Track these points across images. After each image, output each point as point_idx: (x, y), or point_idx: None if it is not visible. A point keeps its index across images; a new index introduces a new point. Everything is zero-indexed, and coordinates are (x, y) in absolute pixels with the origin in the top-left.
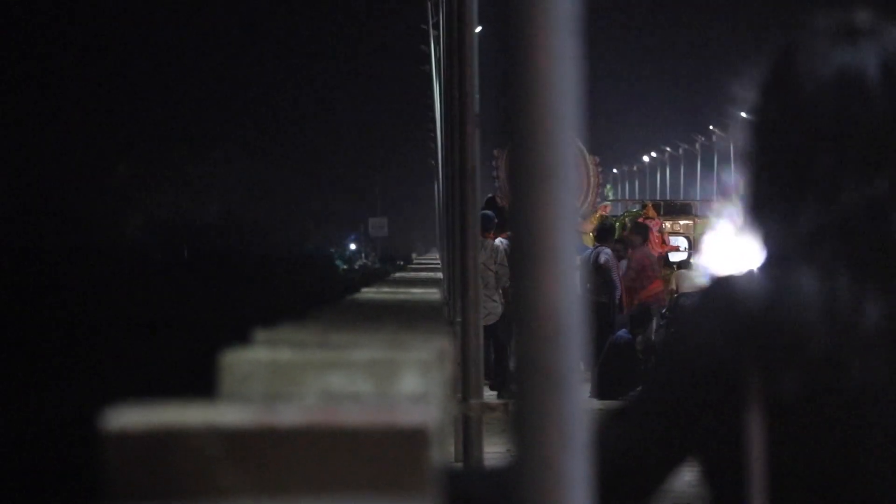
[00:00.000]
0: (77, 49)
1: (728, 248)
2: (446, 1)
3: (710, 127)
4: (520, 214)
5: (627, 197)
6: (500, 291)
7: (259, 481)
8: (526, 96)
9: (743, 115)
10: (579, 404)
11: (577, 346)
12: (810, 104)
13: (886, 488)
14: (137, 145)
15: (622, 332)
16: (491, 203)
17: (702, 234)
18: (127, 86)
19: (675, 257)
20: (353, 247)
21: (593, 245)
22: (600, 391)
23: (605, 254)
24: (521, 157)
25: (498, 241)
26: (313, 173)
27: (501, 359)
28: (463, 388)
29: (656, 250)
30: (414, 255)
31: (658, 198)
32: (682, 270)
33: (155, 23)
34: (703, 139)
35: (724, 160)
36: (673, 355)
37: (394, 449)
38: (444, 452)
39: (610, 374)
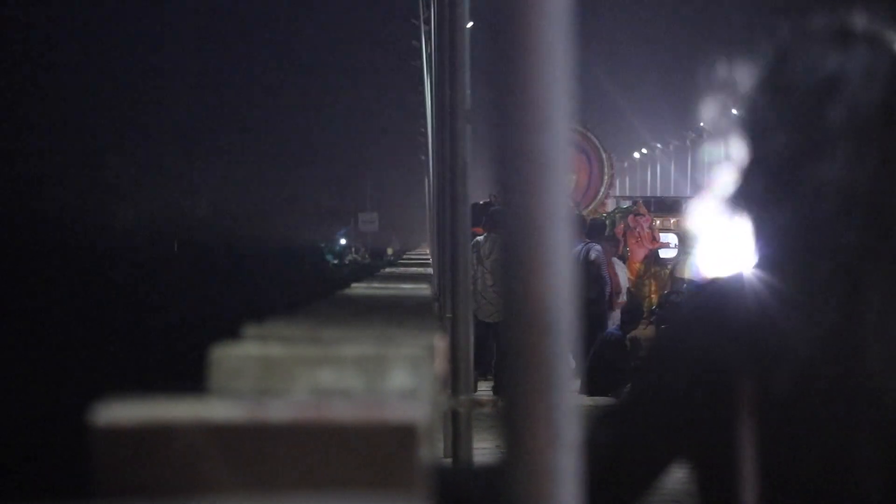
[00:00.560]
0: (67, 43)
1: (720, 248)
2: None
3: (701, 123)
4: (512, 209)
5: (618, 193)
6: None
7: (249, 477)
8: (518, 91)
9: (734, 113)
10: (569, 400)
11: (568, 342)
12: (801, 106)
13: (877, 491)
14: (127, 139)
15: (613, 329)
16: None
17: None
18: (117, 80)
19: (665, 254)
20: (342, 241)
21: (584, 241)
22: (590, 387)
23: (596, 250)
24: (513, 152)
25: None
26: (303, 168)
27: None
28: (453, 383)
29: (646, 246)
30: (389, 251)
31: (649, 194)
32: (682, 257)
33: (146, 17)
34: (693, 135)
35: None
36: (663, 356)
37: (383, 445)
38: (434, 448)
39: (600, 370)
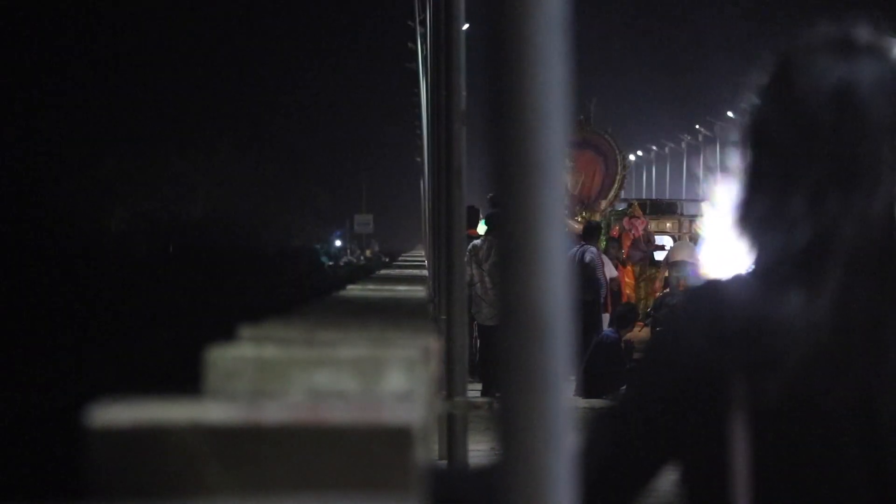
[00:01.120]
0: (63, 44)
1: (718, 249)
2: None
3: (697, 126)
4: (507, 212)
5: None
6: None
7: (244, 479)
8: (513, 93)
9: (737, 119)
10: (564, 403)
11: (563, 344)
12: (805, 117)
13: (867, 498)
14: (123, 140)
15: (608, 331)
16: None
17: (687, 233)
18: (113, 80)
19: (660, 256)
20: (338, 243)
21: (579, 243)
22: (585, 390)
23: (591, 252)
24: (509, 154)
25: None
26: (299, 169)
27: None
28: (448, 385)
29: (641, 249)
30: (368, 253)
31: (644, 196)
32: (679, 241)
33: (142, 18)
34: (689, 138)
35: (711, 159)
36: (658, 357)
37: (379, 447)
38: (429, 450)
39: (595, 372)
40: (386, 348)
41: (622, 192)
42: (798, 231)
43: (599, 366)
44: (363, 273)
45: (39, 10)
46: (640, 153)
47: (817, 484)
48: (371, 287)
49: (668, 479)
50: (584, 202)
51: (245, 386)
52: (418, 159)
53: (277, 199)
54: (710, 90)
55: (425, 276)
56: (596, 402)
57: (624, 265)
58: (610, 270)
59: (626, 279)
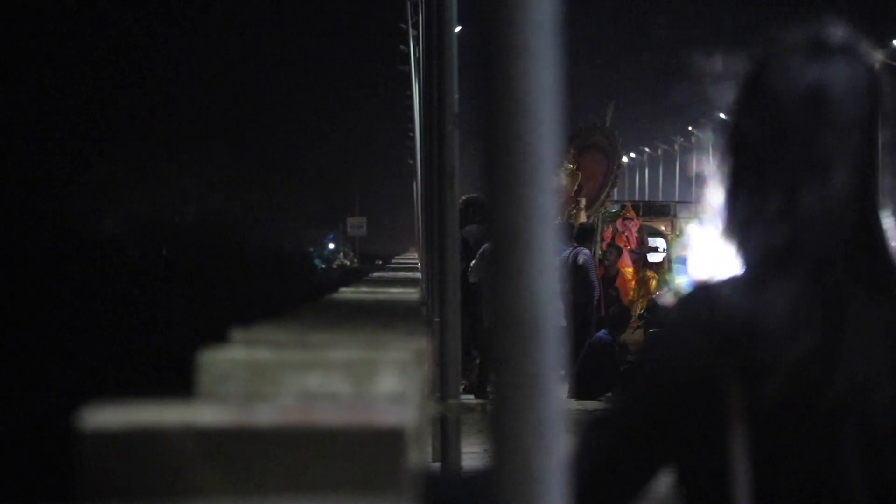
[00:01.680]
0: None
1: (709, 252)
2: (426, 1)
3: (690, 128)
4: (498, 215)
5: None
6: None
7: (236, 481)
8: (504, 96)
9: (718, 125)
10: (556, 405)
11: (555, 346)
12: (779, 118)
13: (866, 498)
14: (116, 144)
15: (601, 333)
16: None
17: (680, 235)
18: (105, 84)
19: (653, 258)
20: (331, 246)
21: (572, 245)
22: (579, 392)
23: (584, 255)
24: (499, 157)
25: None
26: (292, 172)
27: None
28: (441, 388)
29: (634, 250)
30: (340, 257)
31: (637, 198)
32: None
33: (134, 21)
34: (681, 140)
35: (703, 162)
36: (651, 361)
37: (370, 449)
38: (422, 452)
39: (588, 374)
40: (378, 350)
41: (615, 192)
42: (776, 231)
43: (592, 368)
44: (356, 275)
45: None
46: (632, 155)
47: (815, 485)
48: (364, 290)
49: (664, 482)
50: (582, 202)
51: (237, 388)
52: (411, 161)
53: (270, 203)
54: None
55: (418, 279)
56: (589, 405)
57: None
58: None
59: (629, 281)
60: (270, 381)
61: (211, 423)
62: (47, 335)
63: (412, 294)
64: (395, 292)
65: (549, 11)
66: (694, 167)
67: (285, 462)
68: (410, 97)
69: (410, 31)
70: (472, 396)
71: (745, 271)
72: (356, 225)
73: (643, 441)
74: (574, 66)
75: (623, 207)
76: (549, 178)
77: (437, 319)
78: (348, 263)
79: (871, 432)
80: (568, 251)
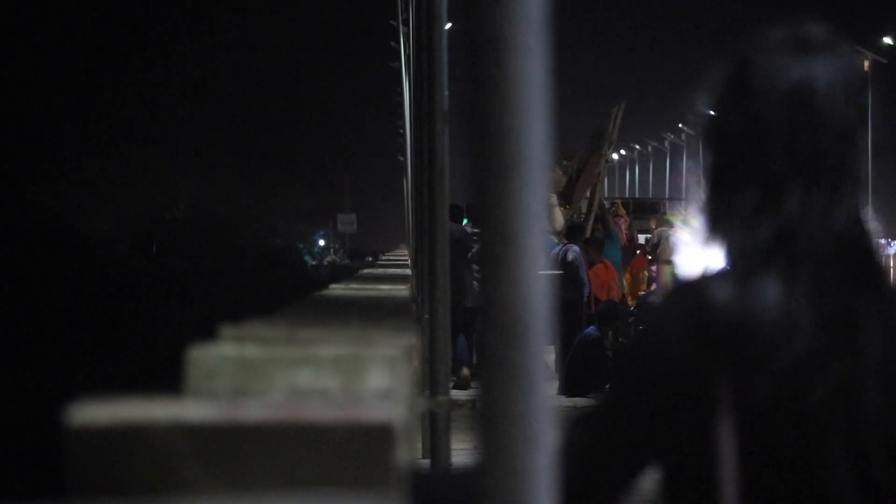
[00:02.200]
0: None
1: (697, 248)
2: None
3: (680, 125)
4: (485, 210)
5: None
6: None
7: (224, 477)
8: (493, 93)
9: (702, 121)
10: (545, 402)
11: (543, 342)
12: (764, 115)
13: (855, 495)
14: (107, 140)
15: (591, 330)
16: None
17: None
18: (96, 80)
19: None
20: (321, 243)
21: (562, 242)
22: (567, 388)
23: (574, 251)
24: (487, 152)
25: None
26: (283, 170)
27: None
28: (430, 384)
29: (625, 247)
30: (330, 254)
31: (627, 195)
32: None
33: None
34: (672, 137)
35: (694, 159)
36: (640, 357)
37: (359, 445)
38: (411, 449)
39: (578, 371)
40: (367, 347)
41: (604, 190)
42: (758, 227)
43: (582, 365)
44: (346, 272)
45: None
46: (623, 152)
47: (803, 482)
48: (354, 286)
49: (650, 479)
50: (553, 197)
51: (226, 385)
52: (401, 158)
53: (261, 200)
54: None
55: (408, 276)
56: (579, 401)
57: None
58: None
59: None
60: (260, 378)
61: (200, 419)
62: (36, 331)
63: (402, 291)
64: (385, 289)
65: (537, 7)
66: (684, 164)
67: (274, 459)
68: (401, 94)
69: (401, 27)
70: (463, 392)
71: (730, 267)
72: (346, 221)
73: (630, 437)
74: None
75: (613, 204)
76: (540, 175)
77: (426, 316)
78: (338, 260)
79: (860, 430)
80: (557, 248)
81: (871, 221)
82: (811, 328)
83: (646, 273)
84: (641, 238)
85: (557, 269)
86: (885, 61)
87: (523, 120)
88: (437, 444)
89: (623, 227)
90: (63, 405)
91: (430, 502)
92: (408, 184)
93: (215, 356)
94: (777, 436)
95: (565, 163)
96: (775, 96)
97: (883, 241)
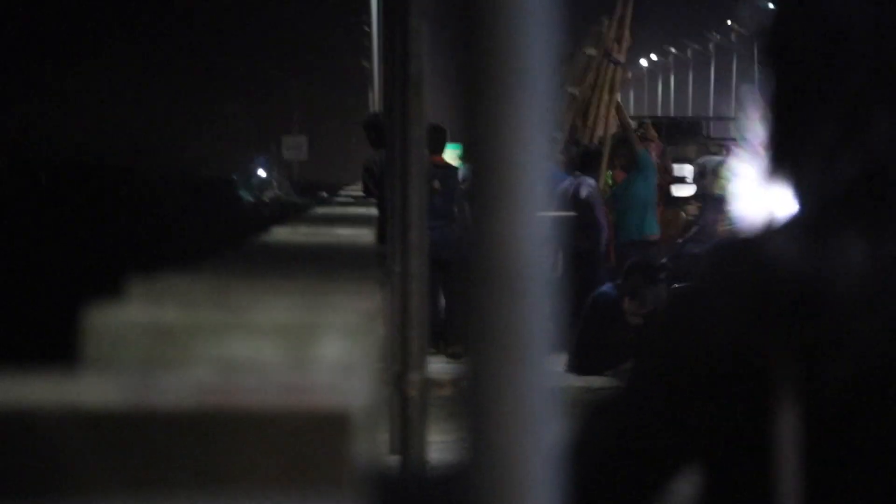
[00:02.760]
0: None
1: (755, 188)
2: None
3: (728, 21)
4: (472, 131)
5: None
6: None
7: (131, 475)
8: None
9: (759, 20)
10: (548, 380)
11: (549, 305)
12: (835, 19)
13: None
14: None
15: (607, 287)
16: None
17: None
18: None
19: (680, 191)
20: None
21: (573, 174)
22: (580, 364)
23: (588, 186)
24: (477, 58)
25: None
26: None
27: None
28: (401, 359)
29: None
30: (273, 187)
31: (660, 114)
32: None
33: None
34: (718, 37)
35: (746, 66)
36: (677, 330)
37: (307, 436)
38: (375, 442)
39: (591, 342)
40: (318, 311)
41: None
42: (840, 164)
43: (596, 333)
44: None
45: None
46: (654, 57)
47: (886, 488)
48: (303, 230)
49: (686, 484)
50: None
51: (135, 357)
52: (366, 64)
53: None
54: None
55: (374, 217)
56: (594, 381)
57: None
58: None
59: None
60: (178, 349)
61: (100, 402)
62: None
63: (366, 236)
64: (344, 234)
65: None
66: (733, 74)
67: (196, 452)
68: None
69: None
70: (445, 363)
71: (801, 216)
72: (294, 146)
73: (663, 433)
74: None
75: (641, 125)
76: (543, 88)
77: (397, 269)
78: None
79: None
80: (567, 181)
81: None
82: None
83: (683, 213)
84: (678, 169)
85: (567, 209)
86: None
87: (523, 15)
88: (408, 437)
89: (655, 154)
90: None
91: None
92: (374, 97)
93: (122, 321)
94: (858, 437)
95: (571, 90)
96: (850, 3)
97: None
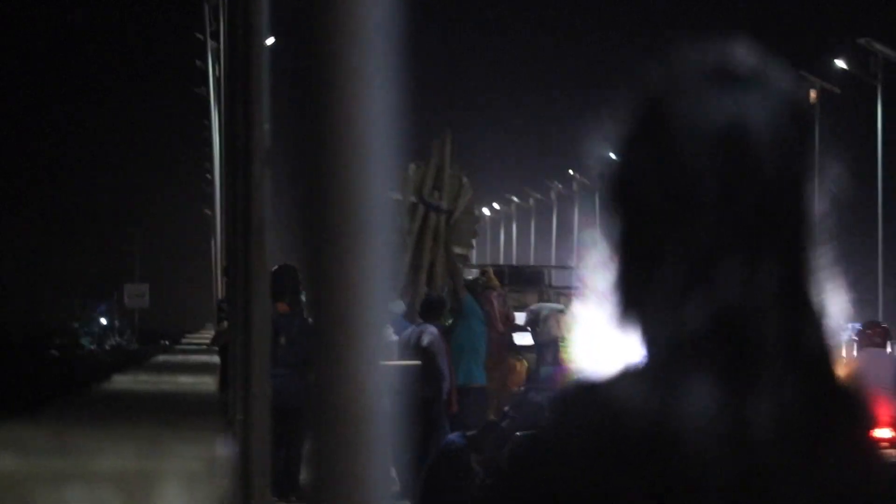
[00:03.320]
0: None
1: (598, 335)
2: (229, 4)
3: (570, 171)
4: (318, 279)
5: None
6: None
7: None
8: (330, 128)
9: (603, 170)
10: None
11: (390, 453)
12: (683, 168)
13: None
14: None
15: (454, 436)
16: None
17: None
18: None
19: (522, 340)
20: (103, 321)
21: (416, 322)
22: None
23: (430, 334)
24: (322, 207)
25: None
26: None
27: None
28: None
29: (497, 329)
30: (115, 336)
31: (501, 262)
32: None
33: None
34: (560, 187)
35: (588, 215)
36: (524, 480)
37: None
38: None
39: (438, 489)
40: (159, 459)
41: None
42: (688, 309)
43: (443, 481)
44: (135, 359)
45: None
46: (496, 206)
47: None
48: (144, 378)
49: None
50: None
51: None
52: (208, 212)
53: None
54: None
55: (217, 365)
56: None
57: None
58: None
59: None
60: (17, 498)
61: None
62: None
63: (208, 384)
64: (186, 382)
65: (384, 17)
66: (575, 222)
67: None
68: (209, 127)
69: (209, 42)
70: None
71: (649, 361)
72: (136, 294)
73: None
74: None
75: (483, 273)
76: (382, 233)
77: (240, 417)
78: (125, 343)
79: None
80: (409, 330)
81: (836, 298)
82: (759, 443)
83: (525, 362)
84: (519, 317)
85: (410, 357)
86: (836, 90)
87: (367, 166)
88: None
89: (497, 302)
90: None
91: None
92: (217, 245)
93: None
94: None
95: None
96: (698, 143)
97: (844, 323)
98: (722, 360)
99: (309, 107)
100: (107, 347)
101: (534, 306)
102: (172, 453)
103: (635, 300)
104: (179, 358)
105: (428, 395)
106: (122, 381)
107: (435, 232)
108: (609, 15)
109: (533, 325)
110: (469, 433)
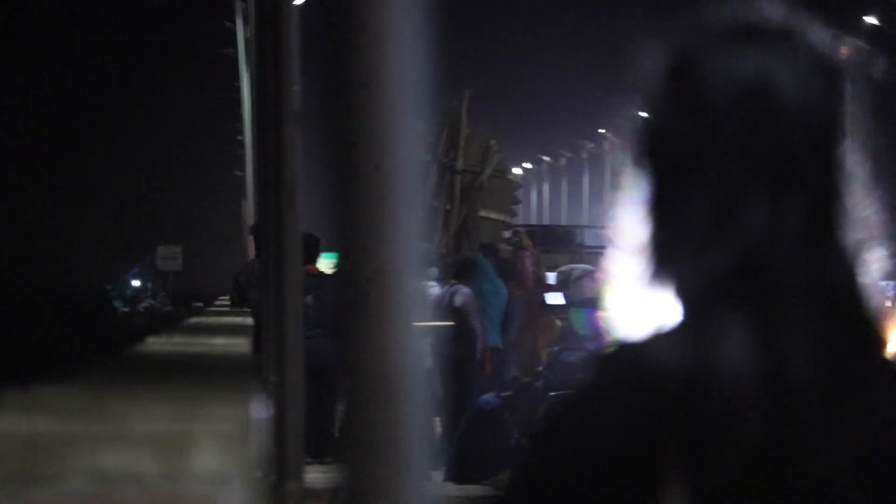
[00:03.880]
0: None
1: (629, 294)
2: None
3: (602, 130)
4: (344, 241)
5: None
6: None
7: None
8: (357, 89)
9: (632, 127)
10: (425, 490)
11: (423, 414)
12: (711, 121)
13: None
14: None
15: (488, 397)
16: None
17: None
18: None
19: (554, 299)
20: (135, 283)
21: (448, 283)
22: (459, 473)
23: (463, 294)
24: (347, 160)
25: None
26: (84, 190)
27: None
28: (278, 468)
29: (529, 289)
30: (148, 297)
31: (533, 222)
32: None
33: None
34: (592, 146)
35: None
36: (560, 436)
37: None
38: None
39: (470, 450)
40: (193, 421)
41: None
42: (718, 256)
43: (476, 441)
44: (169, 322)
45: None
46: (527, 165)
47: None
48: (178, 340)
49: None
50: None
51: (9, 469)
52: (239, 174)
53: (55, 232)
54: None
55: (250, 326)
56: (473, 490)
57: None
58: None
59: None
60: (53, 461)
61: None
62: None
63: (241, 346)
64: (219, 344)
65: None
66: (607, 180)
67: None
68: (238, 89)
69: (238, 2)
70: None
71: (685, 317)
72: (168, 256)
73: None
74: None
75: (515, 234)
76: (413, 186)
77: (274, 378)
78: (158, 306)
79: None
80: (443, 290)
81: (875, 252)
82: (794, 382)
83: (558, 321)
84: (551, 277)
85: (442, 318)
86: (866, 46)
87: (396, 126)
88: None
89: (528, 262)
90: None
91: None
92: (249, 207)
93: None
94: None
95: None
96: (726, 97)
97: (885, 282)
98: (751, 303)
99: (338, 69)
100: (140, 310)
101: (564, 267)
102: (207, 415)
103: (667, 256)
104: (213, 320)
105: (461, 355)
106: (156, 344)
107: (451, 192)
108: None
109: (564, 285)
110: (504, 393)
